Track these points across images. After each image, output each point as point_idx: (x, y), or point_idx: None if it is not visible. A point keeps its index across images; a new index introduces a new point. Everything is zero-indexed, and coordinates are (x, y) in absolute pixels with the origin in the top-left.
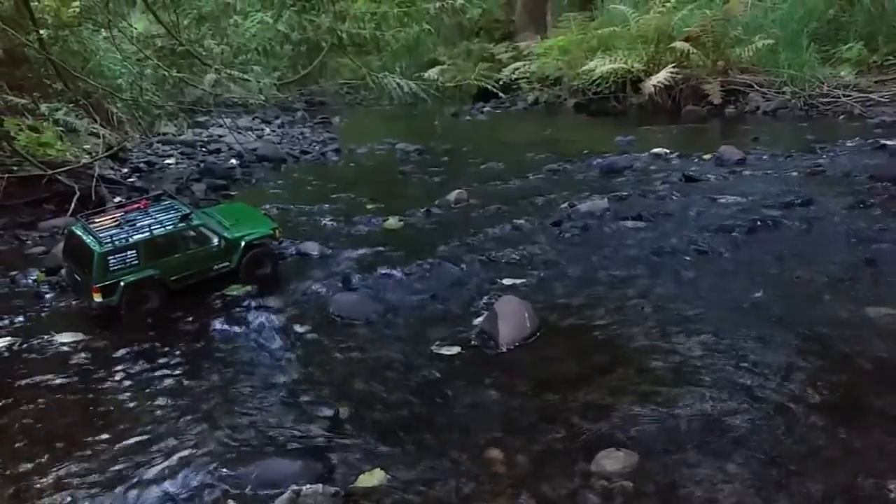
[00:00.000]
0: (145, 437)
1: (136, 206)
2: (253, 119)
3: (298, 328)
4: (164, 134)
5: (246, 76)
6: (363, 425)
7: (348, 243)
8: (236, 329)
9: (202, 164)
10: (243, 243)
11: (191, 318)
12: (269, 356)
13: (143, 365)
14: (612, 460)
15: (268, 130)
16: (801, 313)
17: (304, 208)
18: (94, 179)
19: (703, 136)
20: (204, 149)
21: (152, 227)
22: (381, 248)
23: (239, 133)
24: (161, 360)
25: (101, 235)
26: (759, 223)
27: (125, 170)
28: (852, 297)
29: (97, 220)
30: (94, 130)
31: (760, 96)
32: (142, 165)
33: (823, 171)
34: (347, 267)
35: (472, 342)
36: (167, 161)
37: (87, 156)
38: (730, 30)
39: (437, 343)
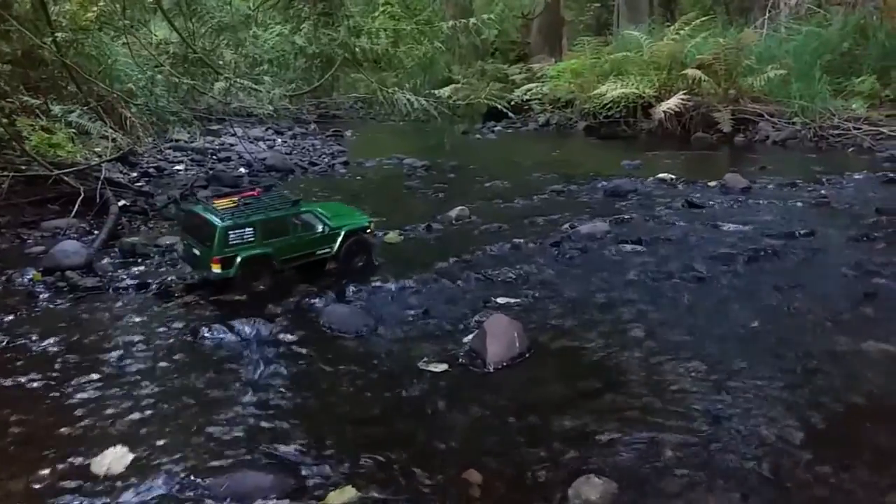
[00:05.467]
0: (118, 441)
1: (250, 192)
2: (266, 130)
3: (287, 337)
4: (176, 140)
5: (256, 86)
6: (341, 441)
7: None
8: (224, 335)
9: (210, 172)
10: (343, 232)
11: (178, 321)
12: (253, 365)
13: (122, 370)
14: (589, 487)
15: (279, 141)
16: (797, 345)
17: None
18: (100, 182)
19: (710, 163)
20: (214, 157)
21: (268, 209)
22: (379, 262)
23: (250, 142)
24: (140, 365)
25: (222, 213)
26: (759, 252)
27: (134, 174)
28: (850, 331)
29: (217, 202)
30: (106, 134)
31: (770, 126)
32: (151, 171)
33: (829, 202)
34: (343, 279)
35: (461, 360)
36: (176, 167)
37: (95, 158)
38: (742, 59)
39: (425, 360)
